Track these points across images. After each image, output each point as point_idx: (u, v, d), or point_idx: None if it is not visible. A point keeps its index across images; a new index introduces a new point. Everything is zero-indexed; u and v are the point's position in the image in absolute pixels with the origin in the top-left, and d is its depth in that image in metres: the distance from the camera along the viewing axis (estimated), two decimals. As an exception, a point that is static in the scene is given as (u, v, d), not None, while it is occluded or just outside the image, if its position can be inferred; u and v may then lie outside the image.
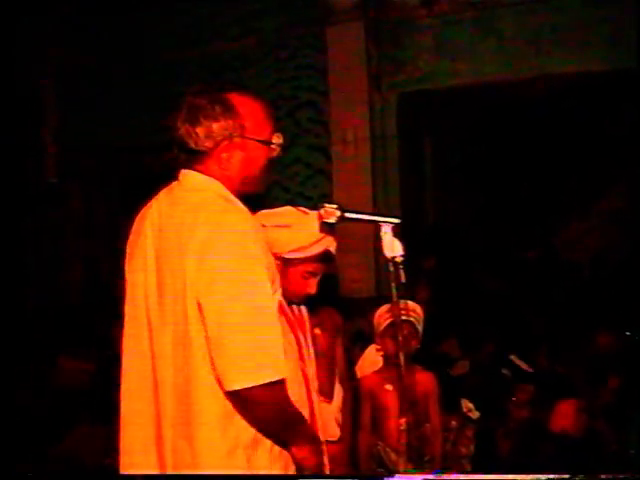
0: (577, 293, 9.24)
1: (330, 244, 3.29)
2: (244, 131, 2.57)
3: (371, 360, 4.90)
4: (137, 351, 2.58)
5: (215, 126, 2.54)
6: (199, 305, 2.41)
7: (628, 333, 6.77)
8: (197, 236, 2.43)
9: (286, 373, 2.44)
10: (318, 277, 3.31)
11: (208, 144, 2.55)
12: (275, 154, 2.69)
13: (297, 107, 9.63)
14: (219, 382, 2.41)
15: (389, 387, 4.53)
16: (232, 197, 2.58)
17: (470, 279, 9.74)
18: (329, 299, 4.68)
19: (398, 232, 2.85)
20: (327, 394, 4.37)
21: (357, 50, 9.33)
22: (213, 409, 2.45)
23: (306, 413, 2.78)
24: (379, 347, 4.73)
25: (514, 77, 9.01)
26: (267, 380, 2.36)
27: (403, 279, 2.85)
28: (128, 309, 2.64)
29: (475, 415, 5.53)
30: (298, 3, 9.52)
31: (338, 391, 4.50)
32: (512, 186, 11.20)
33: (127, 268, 2.66)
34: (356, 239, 7.80)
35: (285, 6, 9.61)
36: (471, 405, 5.62)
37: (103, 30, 10.13)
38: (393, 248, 2.82)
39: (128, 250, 2.68)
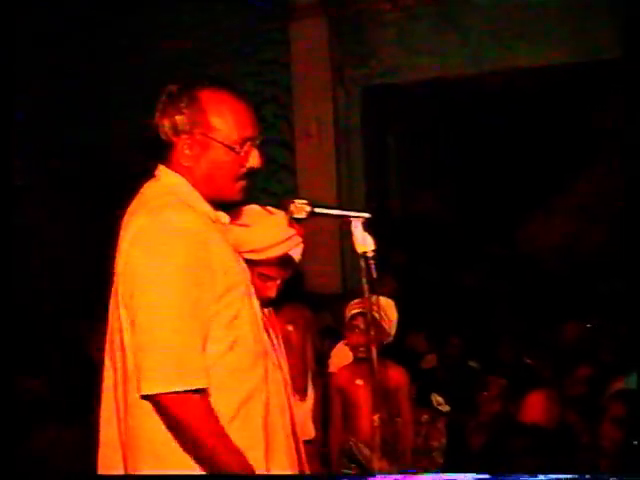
0: (542, 285, 9.31)
1: (290, 248, 3.24)
2: (209, 130, 2.48)
3: (342, 355, 4.90)
4: (109, 350, 2.55)
5: (179, 118, 2.47)
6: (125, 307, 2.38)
7: (589, 325, 6.83)
8: (129, 232, 2.40)
9: (202, 384, 2.33)
10: (277, 281, 3.26)
11: (172, 137, 2.49)
12: (250, 166, 2.58)
13: (261, 102, 9.58)
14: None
15: (360, 382, 4.52)
16: (193, 195, 2.50)
17: (437, 272, 9.77)
18: (298, 295, 4.66)
19: (368, 227, 2.82)
20: (300, 392, 4.36)
21: (320, 45, 9.32)
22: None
23: (287, 418, 2.74)
24: (345, 341, 4.72)
25: (477, 71, 9.05)
26: (170, 389, 2.27)
27: (374, 274, 2.82)
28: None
29: (445, 409, 5.55)
30: (262, -1, 9.51)
31: (311, 389, 4.49)
32: (477, 180, 11.23)
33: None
34: (322, 234, 7.80)
35: (249, 2, 9.57)
36: (441, 399, 5.64)
37: (69, 29, 10.02)
38: (364, 243, 2.79)
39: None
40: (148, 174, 2.61)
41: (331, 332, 6.52)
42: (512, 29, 8.70)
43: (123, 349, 2.41)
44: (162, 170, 2.55)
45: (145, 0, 9.82)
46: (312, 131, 9.58)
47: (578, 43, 8.50)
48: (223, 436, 2.35)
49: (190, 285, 2.34)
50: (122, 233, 2.46)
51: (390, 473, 3.88)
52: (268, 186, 9.61)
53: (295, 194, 9.22)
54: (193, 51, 9.73)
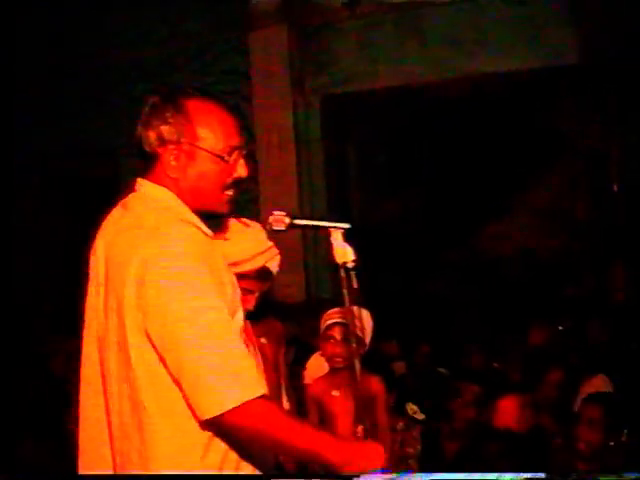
0: (507, 289, 9.37)
1: (267, 261, 3.22)
2: (196, 139, 2.44)
3: (317, 365, 4.88)
4: (90, 374, 2.50)
5: (164, 129, 2.43)
6: (146, 332, 2.31)
7: (561, 328, 6.89)
8: (139, 254, 2.31)
9: (263, 389, 2.30)
10: (255, 294, 3.24)
11: (158, 148, 2.45)
12: (238, 175, 2.55)
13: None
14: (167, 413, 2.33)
15: (336, 393, 4.50)
16: (183, 209, 2.46)
17: (399, 280, 9.80)
18: (267, 307, 4.64)
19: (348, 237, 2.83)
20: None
21: (280, 54, 9.33)
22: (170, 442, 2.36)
23: None
24: (320, 351, 4.70)
25: (438, 78, 9.10)
26: (244, 399, 2.23)
27: (355, 285, 2.82)
28: (85, 332, 2.56)
29: (420, 417, 5.56)
30: (222, 7, 9.45)
31: (286, 401, 4.46)
32: (438, 187, 11.28)
33: (87, 289, 2.57)
34: (285, 243, 7.78)
35: (209, 10, 9.54)
36: (416, 407, 5.65)
37: (30, 34, 9.93)
38: (344, 254, 2.79)
39: (89, 269, 2.59)
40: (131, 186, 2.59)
41: (296, 342, 6.50)
42: (472, 36, 8.77)
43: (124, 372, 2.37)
44: (145, 184, 2.50)
45: (103, 9, 9.74)
46: (273, 141, 9.57)
47: (537, 49, 8.59)
48: (304, 426, 2.37)
49: (220, 302, 2.32)
50: (120, 258, 2.39)
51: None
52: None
53: (256, 204, 9.22)
54: (152, 60, 9.68)
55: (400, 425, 5.22)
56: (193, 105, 2.46)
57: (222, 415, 2.22)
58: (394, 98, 9.66)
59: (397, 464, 5.00)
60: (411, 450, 5.11)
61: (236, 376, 2.25)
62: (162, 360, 2.31)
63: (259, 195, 9.52)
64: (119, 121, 8.04)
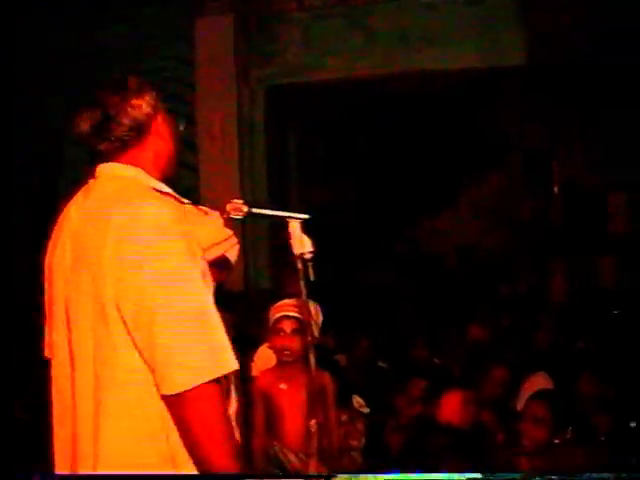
0: (446, 284, 9.46)
1: (227, 250, 3.19)
2: (159, 112, 2.52)
3: (265, 358, 4.85)
4: (58, 362, 2.45)
5: (136, 112, 2.45)
6: (118, 308, 2.26)
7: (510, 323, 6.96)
8: (112, 228, 2.29)
9: (235, 365, 2.29)
10: (214, 283, 3.21)
11: (129, 131, 2.45)
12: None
13: (164, 99, 9.42)
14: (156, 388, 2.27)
15: (283, 386, 4.47)
16: (155, 183, 2.48)
17: (340, 272, 9.82)
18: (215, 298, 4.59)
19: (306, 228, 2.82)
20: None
21: (226, 43, 9.25)
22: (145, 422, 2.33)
23: None
24: (269, 344, 4.67)
25: (384, 72, 9.11)
26: (221, 373, 2.23)
27: (312, 277, 2.81)
28: (48, 325, 2.50)
29: (366, 410, 5.58)
30: (170, -7, 9.35)
31: (234, 392, 4.42)
32: (381, 180, 11.33)
33: (46, 282, 2.51)
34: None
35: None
36: (362, 401, 5.67)
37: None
38: (302, 244, 2.78)
39: (47, 262, 2.53)
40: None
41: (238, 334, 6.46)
42: (420, 32, 8.80)
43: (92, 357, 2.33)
44: (108, 166, 2.49)
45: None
46: (215, 129, 9.49)
47: (484, 49, 8.65)
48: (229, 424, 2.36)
49: (197, 271, 2.31)
50: (93, 236, 2.35)
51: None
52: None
53: (197, 193, 9.14)
54: (97, 46, 9.51)
55: (344, 417, 5.22)
56: (143, 84, 2.52)
57: (190, 390, 2.20)
58: (339, 91, 9.67)
59: (340, 457, 5.01)
60: (355, 443, 5.11)
61: (212, 349, 2.24)
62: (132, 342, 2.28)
63: (199, 184, 9.43)
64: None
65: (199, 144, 9.53)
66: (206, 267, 2.43)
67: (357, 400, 5.60)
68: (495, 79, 9.07)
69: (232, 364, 2.27)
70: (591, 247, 10.95)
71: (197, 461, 2.31)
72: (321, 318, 4.44)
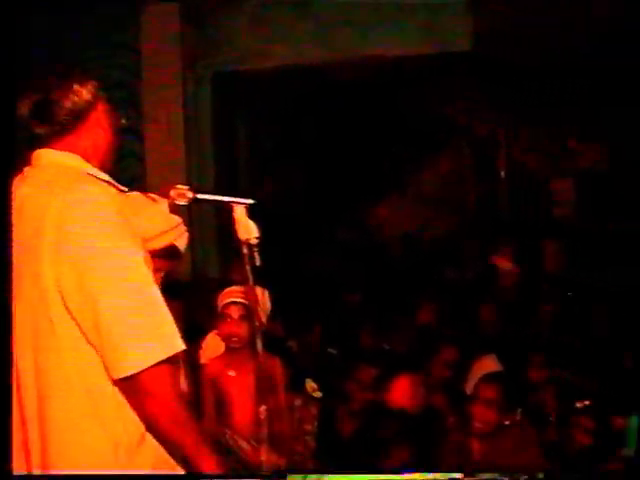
0: (393, 270, 9.49)
1: (176, 238, 3.15)
2: (100, 101, 2.53)
3: (213, 345, 4.82)
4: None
5: (77, 98, 2.45)
6: (60, 291, 2.25)
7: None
8: (51, 214, 2.28)
9: (181, 345, 2.30)
10: (161, 273, 3.17)
11: (68, 116, 2.45)
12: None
13: (109, 87, 9.29)
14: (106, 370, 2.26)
15: (232, 373, 4.45)
16: (93, 170, 2.48)
17: (292, 260, 9.81)
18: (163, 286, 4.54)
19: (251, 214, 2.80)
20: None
21: (172, 30, 9.13)
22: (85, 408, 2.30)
23: None
24: (217, 331, 4.64)
25: (331, 59, 9.08)
26: (170, 354, 2.23)
27: (258, 262, 2.79)
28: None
29: (318, 395, 5.57)
30: (114, -21, 9.19)
31: (183, 380, 4.40)
32: (327, 167, 11.33)
33: None
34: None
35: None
36: (315, 385, 5.66)
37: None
38: (247, 230, 2.76)
39: None
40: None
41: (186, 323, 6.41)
42: (366, 18, 8.77)
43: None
44: (46, 152, 2.48)
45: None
46: (161, 118, 9.39)
47: (431, 34, 8.66)
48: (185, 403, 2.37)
49: (139, 251, 2.32)
50: (31, 224, 2.33)
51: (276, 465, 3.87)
52: (113, 173, 9.34)
53: (143, 182, 9.03)
54: (44, 31, 9.33)
55: (298, 402, 5.21)
56: (88, 76, 2.53)
57: (133, 376, 2.20)
58: (286, 78, 9.62)
59: (294, 442, 5.01)
60: (309, 427, 5.10)
61: (159, 330, 2.25)
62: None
63: (145, 174, 9.33)
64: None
65: (145, 132, 9.40)
66: (147, 255, 2.42)
67: (310, 385, 5.59)
68: (442, 65, 9.08)
69: (179, 344, 2.27)
70: (537, 232, 11.08)
71: (164, 443, 2.35)
72: (269, 304, 4.42)
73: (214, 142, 9.74)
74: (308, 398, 5.37)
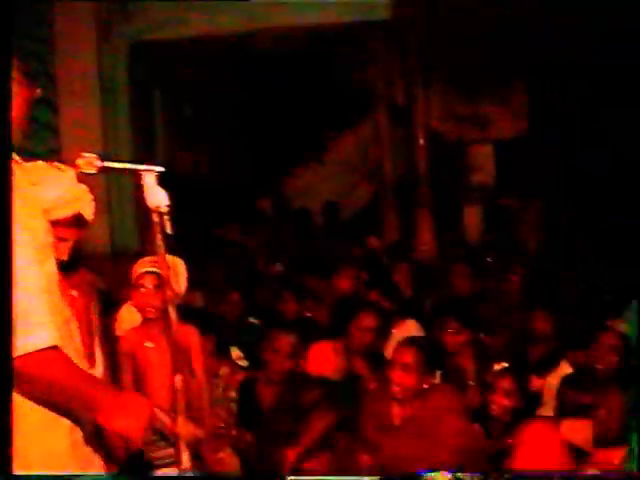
0: (314, 237, 9.50)
1: (82, 207, 3.09)
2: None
3: (129, 316, 4.75)
4: None
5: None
6: None
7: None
8: None
9: (55, 340, 2.29)
10: (69, 242, 3.11)
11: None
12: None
13: (21, 57, 9.05)
14: None
15: (149, 344, 4.39)
16: None
17: (212, 229, 9.76)
18: (79, 258, 4.46)
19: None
20: (88, 358, 4.18)
21: (86, -1, 8.93)
22: None
23: None
24: (132, 302, 4.57)
25: (248, 28, 8.98)
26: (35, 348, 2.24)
27: (169, 230, 2.75)
28: None
29: (244, 363, 5.57)
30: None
31: (99, 354, 4.32)
32: (248, 136, 11.26)
33: None
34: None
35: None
36: (240, 353, 5.66)
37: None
38: (157, 198, 2.71)
39: None
40: None
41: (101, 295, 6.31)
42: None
43: None
44: None
45: None
46: (75, 88, 9.19)
47: (349, 3, 8.60)
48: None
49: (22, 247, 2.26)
50: None
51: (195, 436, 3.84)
52: (28, 146, 9.13)
53: (59, 155, 8.84)
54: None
55: (224, 370, 5.20)
56: None
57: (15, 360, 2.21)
58: (204, 47, 9.49)
59: (219, 409, 5.00)
60: (233, 394, 5.11)
61: (28, 325, 2.24)
62: None
63: (61, 146, 9.14)
64: None
65: (59, 103, 9.19)
66: (48, 225, 2.37)
67: (236, 353, 5.60)
68: (361, 33, 9.06)
69: (45, 342, 2.27)
70: (456, 198, 11.18)
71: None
72: (184, 273, 4.36)
73: (131, 113, 9.58)
74: (234, 366, 5.37)
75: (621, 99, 11.34)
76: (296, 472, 4.30)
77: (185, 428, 3.27)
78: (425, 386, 4.35)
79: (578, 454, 3.97)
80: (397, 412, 4.37)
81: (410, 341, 4.46)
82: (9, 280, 2.23)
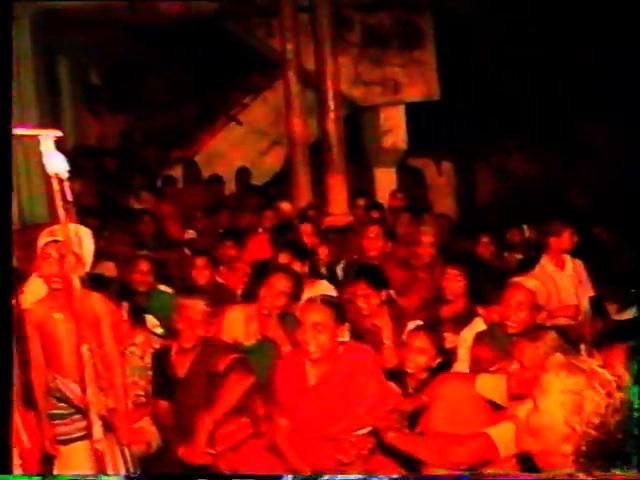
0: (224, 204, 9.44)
1: None
2: None
3: (35, 288, 4.63)
4: None
5: None
6: None
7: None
8: None
9: None
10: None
11: None
12: None
13: None
14: None
15: (58, 315, 4.30)
16: None
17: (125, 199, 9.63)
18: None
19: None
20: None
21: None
22: None
23: None
24: (38, 272, 4.45)
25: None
26: None
27: (70, 197, 2.67)
28: None
29: (160, 331, 5.50)
30: None
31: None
32: (158, 102, 11.13)
33: None
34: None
35: None
36: (156, 321, 5.58)
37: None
38: (56, 164, 2.63)
39: None
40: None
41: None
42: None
43: None
44: None
45: None
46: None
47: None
48: None
49: None
50: None
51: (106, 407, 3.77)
52: None
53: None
54: None
55: (139, 339, 5.13)
56: None
57: None
58: (108, 12, 9.30)
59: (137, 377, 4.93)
60: (148, 361, 5.05)
61: None
62: None
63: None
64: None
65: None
66: None
67: (150, 321, 5.52)
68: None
69: None
70: (368, 161, 11.22)
71: None
72: (91, 241, 4.25)
73: (35, 81, 9.36)
74: (149, 334, 5.30)
75: (529, 60, 11.56)
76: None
77: (95, 399, 3.21)
78: (338, 345, 4.34)
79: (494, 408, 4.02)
80: (313, 373, 4.35)
81: (318, 300, 4.41)
82: (9, 280, 2.14)
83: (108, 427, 3.63)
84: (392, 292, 5.66)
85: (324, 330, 4.24)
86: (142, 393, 5.02)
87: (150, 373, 5.00)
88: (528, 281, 4.98)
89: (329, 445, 4.19)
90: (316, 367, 4.34)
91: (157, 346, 5.15)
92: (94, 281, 4.26)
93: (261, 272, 5.60)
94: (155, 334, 5.47)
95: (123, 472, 4.05)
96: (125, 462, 4.17)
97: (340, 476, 3.78)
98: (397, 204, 8.68)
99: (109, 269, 7.22)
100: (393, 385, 4.72)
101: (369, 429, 4.16)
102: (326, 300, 4.41)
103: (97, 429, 3.26)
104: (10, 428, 2.19)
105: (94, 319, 4.19)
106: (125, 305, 5.16)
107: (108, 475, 3.37)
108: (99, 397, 3.32)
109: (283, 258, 5.97)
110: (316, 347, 4.24)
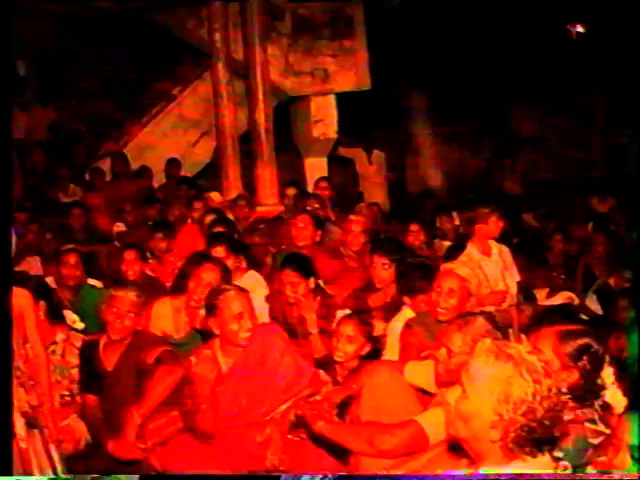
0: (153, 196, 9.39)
1: None
2: None
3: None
4: None
5: None
6: None
7: None
8: None
9: None
10: None
11: None
12: None
13: None
14: None
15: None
16: None
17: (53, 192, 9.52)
18: None
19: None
20: None
21: None
22: None
23: None
24: None
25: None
26: None
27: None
28: None
29: (80, 326, 5.42)
30: None
31: None
32: (93, 93, 11.06)
33: None
34: None
35: None
36: (76, 317, 5.50)
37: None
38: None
39: None
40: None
41: None
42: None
43: None
44: None
45: None
46: None
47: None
48: None
49: None
50: None
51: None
52: None
53: None
54: None
55: (60, 336, 5.04)
56: None
57: None
58: (35, 6, 9.15)
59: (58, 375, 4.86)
60: (74, 359, 4.97)
61: None
62: None
63: None
64: None
65: None
66: None
67: (69, 317, 5.43)
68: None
69: None
70: (300, 151, 11.22)
71: None
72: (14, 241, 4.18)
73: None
74: (70, 331, 5.22)
75: (459, 48, 11.66)
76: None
77: (27, 398, 3.16)
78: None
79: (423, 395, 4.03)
80: (223, 361, 4.36)
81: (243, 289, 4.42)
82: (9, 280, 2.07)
83: (32, 425, 3.57)
84: (321, 281, 5.63)
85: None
86: (67, 392, 4.95)
87: (73, 372, 4.94)
88: (460, 268, 5.00)
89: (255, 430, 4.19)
90: (227, 355, 4.34)
91: (78, 344, 5.07)
92: (16, 278, 4.20)
93: (190, 264, 5.55)
94: (75, 330, 5.38)
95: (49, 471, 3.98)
96: (51, 461, 4.09)
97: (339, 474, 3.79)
98: (324, 193, 8.66)
99: (35, 263, 7.12)
100: (322, 373, 4.72)
101: (289, 404, 4.18)
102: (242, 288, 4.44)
103: (20, 427, 3.21)
104: (10, 428, 2.12)
105: (19, 315, 4.13)
106: (42, 304, 5.04)
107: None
108: (30, 397, 3.26)
109: (214, 250, 5.89)
110: (238, 338, 4.27)
